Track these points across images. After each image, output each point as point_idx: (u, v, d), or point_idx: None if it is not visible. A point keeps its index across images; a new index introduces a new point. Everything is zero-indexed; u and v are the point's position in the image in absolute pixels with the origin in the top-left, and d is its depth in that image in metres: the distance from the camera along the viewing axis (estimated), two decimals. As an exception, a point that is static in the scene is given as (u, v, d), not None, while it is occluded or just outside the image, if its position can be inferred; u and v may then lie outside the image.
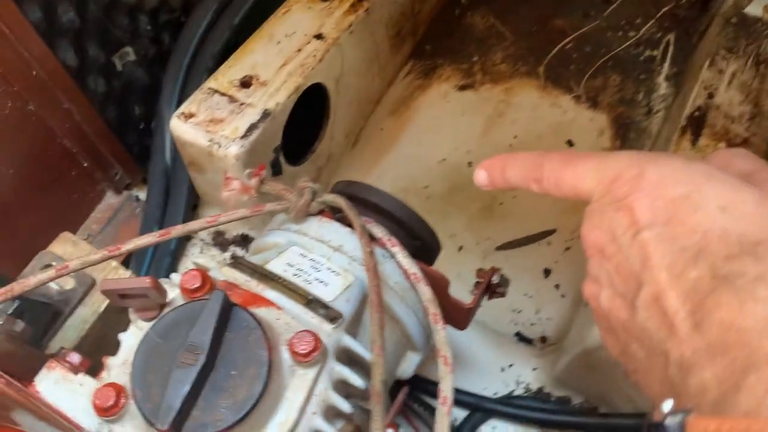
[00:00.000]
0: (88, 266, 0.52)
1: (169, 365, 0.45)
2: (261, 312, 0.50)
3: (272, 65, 0.86)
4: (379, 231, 0.60)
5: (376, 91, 1.13)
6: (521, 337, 0.95)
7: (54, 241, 0.75)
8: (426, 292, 0.57)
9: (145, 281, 0.47)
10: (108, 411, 0.46)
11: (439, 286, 0.60)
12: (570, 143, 1.09)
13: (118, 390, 0.46)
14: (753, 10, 0.95)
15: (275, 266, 0.57)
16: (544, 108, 1.13)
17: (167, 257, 0.91)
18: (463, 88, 1.17)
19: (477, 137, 1.11)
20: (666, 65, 1.15)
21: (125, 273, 0.73)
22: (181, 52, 0.93)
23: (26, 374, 0.52)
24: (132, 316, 0.51)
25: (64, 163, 0.89)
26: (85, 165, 0.92)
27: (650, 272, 0.35)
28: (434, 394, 0.84)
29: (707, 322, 0.31)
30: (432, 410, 0.83)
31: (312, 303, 0.53)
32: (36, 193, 0.88)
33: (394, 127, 1.13)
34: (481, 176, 0.51)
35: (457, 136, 1.11)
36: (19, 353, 0.54)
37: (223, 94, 0.83)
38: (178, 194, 0.93)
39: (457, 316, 0.63)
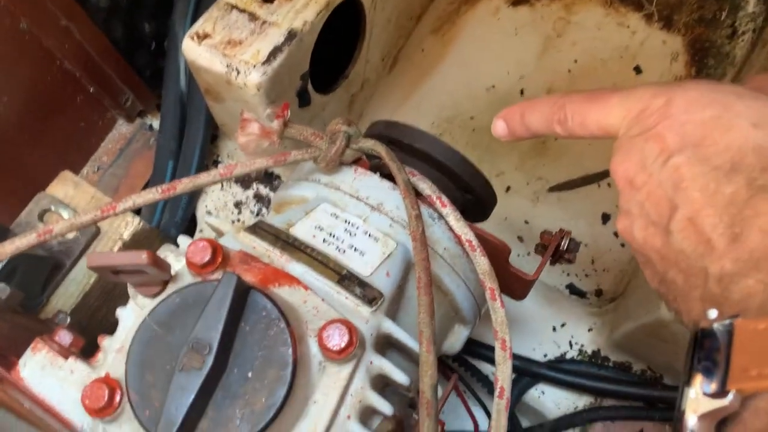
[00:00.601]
0: (75, 230, 0.43)
1: (171, 362, 0.37)
2: (284, 293, 0.41)
3: (300, -25, 0.73)
4: (426, 187, 0.50)
5: (417, 6, 0.99)
6: (574, 290, 0.86)
7: (54, 182, 0.66)
8: (483, 263, 0.47)
9: (141, 257, 0.37)
10: (101, 412, 0.38)
11: (499, 254, 0.50)
12: (638, 69, 0.95)
13: (112, 386, 0.38)
14: None
15: (302, 230, 0.47)
16: (609, 28, 0.98)
17: (184, 195, 0.83)
18: (516, 2, 1.02)
19: (531, 61, 0.97)
20: (756, -23, 0.98)
21: (134, 219, 0.65)
22: (195, -42, 0.81)
23: (13, 349, 0.44)
24: (131, 291, 0.43)
25: (67, 88, 0.79)
26: (91, 90, 0.82)
27: (684, 194, 0.34)
28: (483, 357, 0.76)
29: (747, 231, 0.31)
30: (477, 374, 0.75)
31: (346, 280, 0.43)
32: (38, 123, 0.78)
33: (436, 48, 1.00)
34: (499, 126, 0.48)
35: (509, 59, 0.97)
36: (3, 327, 0.47)
37: (242, 11, 0.71)
38: (195, 124, 0.83)
39: (516, 286, 0.54)
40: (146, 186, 0.88)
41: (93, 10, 0.74)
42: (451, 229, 0.50)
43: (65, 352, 0.42)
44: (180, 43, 0.78)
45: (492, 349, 0.46)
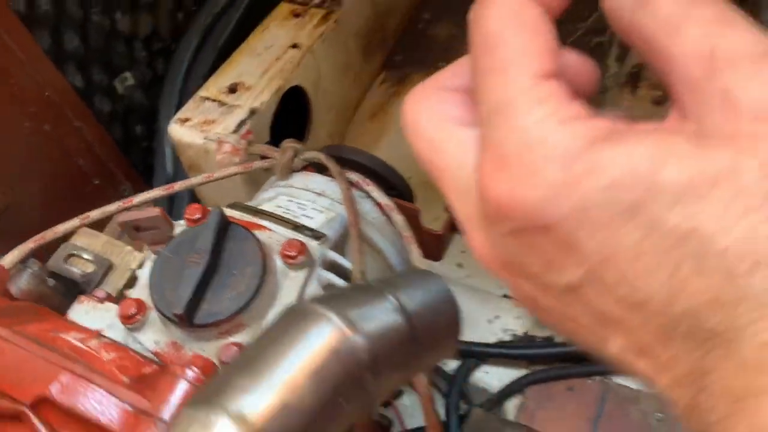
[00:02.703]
0: (147, 201, 0.62)
1: (180, 271, 0.54)
2: (255, 233, 0.59)
3: (255, 73, 0.97)
4: (355, 176, 0.69)
5: (353, 98, 1.24)
6: (509, 296, 1.03)
7: (74, 235, 0.84)
8: (398, 219, 0.66)
9: (155, 211, 0.56)
10: (130, 318, 0.54)
11: (411, 216, 0.69)
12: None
13: (139, 303, 0.55)
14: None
15: (266, 207, 0.66)
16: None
17: (176, 256, 1.00)
18: (433, 89, 1.27)
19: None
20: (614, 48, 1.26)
21: (140, 254, 0.82)
22: (174, 75, 1.05)
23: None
24: (147, 252, 0.60)
25: (79, 181, 0.99)
26: (96, 183, 1.02)
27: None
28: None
29: None
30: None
31: (299, 227, 0.62)
32: (59, 212, 0.97)
33: (374, 131, 1.23)
34: None
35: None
36: (54, 298, 0.63)
37: (213, 100, 0.94)
38: (180, 202, 1.03)
39: (432, 245, 0.72)
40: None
41: (98, 114, 0.96)
42: (377, 204, 0.69)
43: (102, 300, 0.58)
44: (166, 138, 1.00)
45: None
